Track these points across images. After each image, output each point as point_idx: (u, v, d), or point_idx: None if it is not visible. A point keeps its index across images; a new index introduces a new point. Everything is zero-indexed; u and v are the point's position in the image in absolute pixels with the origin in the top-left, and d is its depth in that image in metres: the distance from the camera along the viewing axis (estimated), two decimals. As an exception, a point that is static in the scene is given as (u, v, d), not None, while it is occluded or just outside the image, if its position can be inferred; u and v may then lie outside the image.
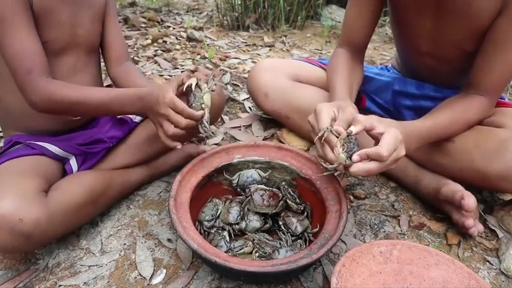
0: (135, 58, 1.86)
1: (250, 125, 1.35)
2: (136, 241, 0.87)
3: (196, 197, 0.85)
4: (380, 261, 0.72)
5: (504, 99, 1.05)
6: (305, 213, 0.89)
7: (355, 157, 0.70)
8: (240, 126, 1.34)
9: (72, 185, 0.82)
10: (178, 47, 2.05)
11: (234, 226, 0.85)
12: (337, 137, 0.72)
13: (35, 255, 0.84)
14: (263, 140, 1.26)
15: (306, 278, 0.80)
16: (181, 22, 2.54)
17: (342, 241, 0.90)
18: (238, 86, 1.65)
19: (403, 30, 1.06)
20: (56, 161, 0.88)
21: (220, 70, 1.76)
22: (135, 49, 1.99)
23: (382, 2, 1.02)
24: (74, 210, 0.79)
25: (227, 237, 0.82)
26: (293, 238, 0.84)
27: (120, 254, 0.84)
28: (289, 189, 0.89)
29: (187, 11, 2.88)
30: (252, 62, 1.95)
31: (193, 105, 0.80)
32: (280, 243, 0.83)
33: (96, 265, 0.81)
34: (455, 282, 0.70)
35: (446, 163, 0.94)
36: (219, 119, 1.36)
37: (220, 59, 1.93)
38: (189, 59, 1.91)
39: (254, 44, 2.24)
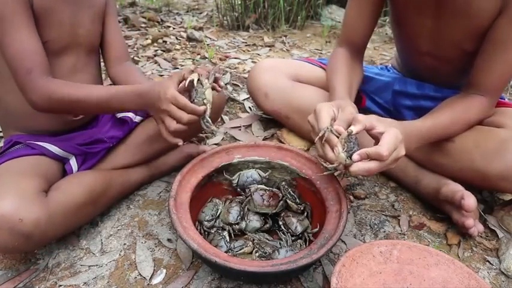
0: (135, 58, 1.86)
1: (250, 125, 1.35)
2: (136, 241, 0.87)
3: (196, 197, 0.85)
4: (380, 261, 0.72)
5: (504, 99, 1.05)
6: (305, 213, 0.89)
7: (355, 156, 0.70)
8: (240, 126, 1.34)
9: (72, 185, 0.82)
10: (178, 47, 2.05)
11: (234, 226, 0.85)
12: (337, 137, 0.72)
13: (35, 255, 0.84)
14: (263, 140, 1.26)
15: (306, 278, 0.80)
16: (181, 22, 2.54)
17: (342, 241, 0.90)
18: (238, 86, 1.65)
19: (403, 30, 1.06)
20: (56, 161, 0.88)
21: (220, 69, 1.76)
22: (135, 49, 1.99)
23: (382, 1, 1.02)
24: (74, 210, 0.79)
25: (227, 237, 0.82)
26: (293, 238, 0.84)
27: (120, 254, 0.84)
28: (289, 189, 0.89)
29: (187, 11, 2.88)
30: (252, 62, 1.94)
31: (196, 100, 0.79)
32: (280, 243, 0.83)
33: (96, 265, 0.81)
34: (455, 282, 0.70)
35: (446, 163, 0.94)
36: (219, 119, 1.36)
37: (220, 59, 1.93)
38: (189, 59, 1.91)
39: (254, 44, 2.24)
